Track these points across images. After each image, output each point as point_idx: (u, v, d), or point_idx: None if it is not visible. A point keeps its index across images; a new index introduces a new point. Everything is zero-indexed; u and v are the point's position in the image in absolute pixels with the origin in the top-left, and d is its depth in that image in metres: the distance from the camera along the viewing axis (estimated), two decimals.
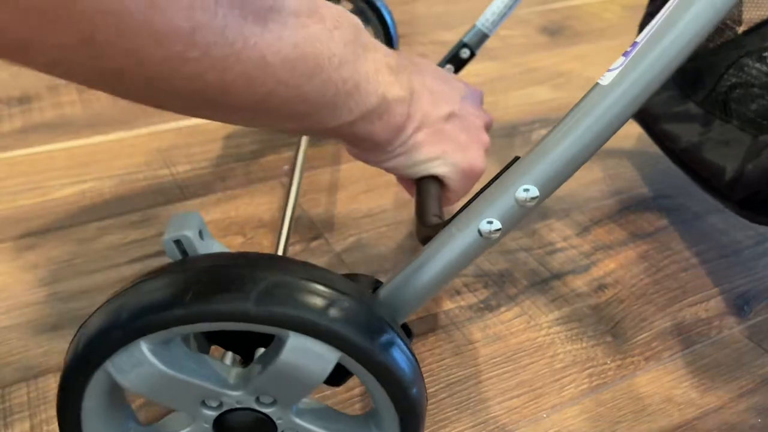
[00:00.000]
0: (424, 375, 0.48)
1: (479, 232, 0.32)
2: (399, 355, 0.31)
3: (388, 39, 0.73)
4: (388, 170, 0.40)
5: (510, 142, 0.78)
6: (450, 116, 0.40)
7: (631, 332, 0.53)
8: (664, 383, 0.49)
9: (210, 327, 0.30)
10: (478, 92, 0.45)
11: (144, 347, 0.30)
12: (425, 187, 0.40)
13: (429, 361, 0.50)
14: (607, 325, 0.54)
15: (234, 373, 0.33)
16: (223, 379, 0.32)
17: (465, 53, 0.65)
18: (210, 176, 0.70)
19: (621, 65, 0.29)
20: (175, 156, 0.73)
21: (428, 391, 0.47)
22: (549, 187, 0.31)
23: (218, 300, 0.29)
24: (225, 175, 0.70)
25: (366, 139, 0.36)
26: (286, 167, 0.71)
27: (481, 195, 0.33)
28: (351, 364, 0.30)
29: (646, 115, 0.62)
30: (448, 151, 0.39)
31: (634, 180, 0.72)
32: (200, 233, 0.32)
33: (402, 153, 0.38)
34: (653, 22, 0.30)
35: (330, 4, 0.31)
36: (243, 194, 0.67)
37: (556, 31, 1.10)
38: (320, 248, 0.60)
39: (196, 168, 0.71)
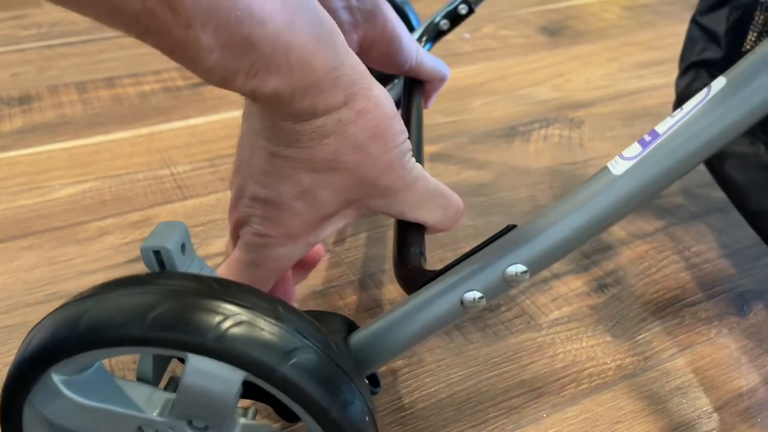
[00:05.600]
0: (423, 375, 0.49)
1: (461, 301, 0.31)
2: (315, 369, 0.28)
3: (410, 27, 0.72)
4: None
5: (509, 142, 0.78)
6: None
7: (631, 332, 0.53)
8: (663, 383, 0.49)
9: (105, 354, 0.28)
10: None
11: (55, 378, 0.28)
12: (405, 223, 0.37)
13: (429, 360, 0.50)
14: (607, 325, 0.54)
15: (161, 398, 0.30)
16: (149, 406, 0.30)
17: (463, 9, 0.63)
18: (210, 176, 0.70)
19: (636, 157, 0.28)
20: (175, 156, 0.73)
21: (428, 391, 0.47)
22: (540, 266, 0.30)
23: (105, 322, 0.27)
24: (225, 175, 0.70)
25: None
26: None
27: (469, 259, 0.31)
28: (269, 388, 0.28)
29: None
30: None
31: None
32: (182, 247, 0.30)
33: None
34: (678, 114, 0.28)
35: None
36: None
37: (556, 31, 1.10)
38: None
39: (196, 168, 0.71)
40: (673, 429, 0.45)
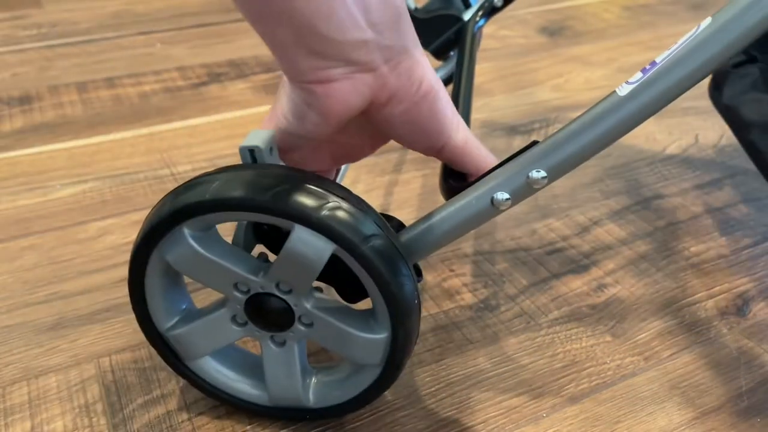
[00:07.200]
0: (423, 375, 0.49)
1: (492, 200, 0.37)
2: (384, 252, 0.36)
3: (466, 3, 0.73)
4: None
5: (510, 142, 0.78)
6: None
7: (631, 332, 0.53)
8: (663, 383, 0.49)
9: (229, 217, 0.36)
10: None
11: (186, 231, 0.37)
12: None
13: (429, 360, 0.50)
14: (606, 325, 0.54)
15: (256, 263, 0.39)
16: (249, 267, 0.38)
17: (498, 1, 0.65)
18: None
19: (638, 81, 0.34)
20: (175, 156, 0.73)
21: (428, 390, 0.47)
22: (557, 173, 0.36)
23: (235, 191, 0.35)
24: None
25: None
26: None
27: (499, 169, 0.38)
28: (350, 261, 0.36)
29: (735, 118, 0.55)
30: None
31: (634, 180, 0.72)
32: (271, 149, 0.37)
33: None
34: (673, 47, 0.33)
35: None
36: None
37: (555, 32, 1.10)
38: None
39: (196, 168, 0.71)
40: (673, 429, 0.45)
